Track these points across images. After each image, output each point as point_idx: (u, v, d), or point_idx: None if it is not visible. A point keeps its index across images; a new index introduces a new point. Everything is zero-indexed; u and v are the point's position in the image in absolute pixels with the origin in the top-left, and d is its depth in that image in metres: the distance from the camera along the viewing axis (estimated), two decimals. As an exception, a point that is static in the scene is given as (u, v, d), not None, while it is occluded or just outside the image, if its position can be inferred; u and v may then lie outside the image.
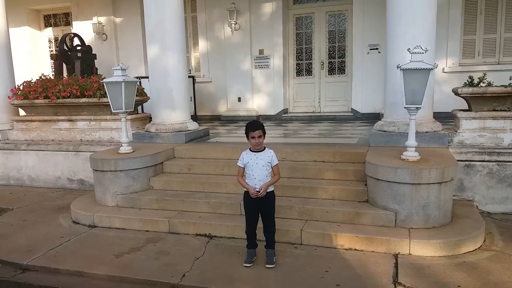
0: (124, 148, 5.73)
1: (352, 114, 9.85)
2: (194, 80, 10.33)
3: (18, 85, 7.66)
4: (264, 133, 3.85)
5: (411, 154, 4.57)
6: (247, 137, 3.83)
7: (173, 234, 4.83)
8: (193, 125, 6.87)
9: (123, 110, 5.55)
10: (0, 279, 4.00)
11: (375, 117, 8.90)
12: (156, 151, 5.82)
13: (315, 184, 5.07)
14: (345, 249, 4.22)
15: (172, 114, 6.61)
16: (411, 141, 4.59)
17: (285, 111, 10.52)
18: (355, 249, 4.20)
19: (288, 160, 5.66)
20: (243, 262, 4.02)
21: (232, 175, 5.50)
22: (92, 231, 5.07)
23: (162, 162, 5.90)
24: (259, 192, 3.78)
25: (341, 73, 10.24)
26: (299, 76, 10.57)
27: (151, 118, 7.25)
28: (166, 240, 4.66)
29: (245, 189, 3.90)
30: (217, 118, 10.59)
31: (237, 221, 4.68)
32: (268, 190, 3.84)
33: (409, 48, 4.38)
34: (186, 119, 6.82)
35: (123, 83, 5.41)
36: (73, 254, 4.41)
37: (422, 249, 4.03)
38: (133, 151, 5.76)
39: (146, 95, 7.20)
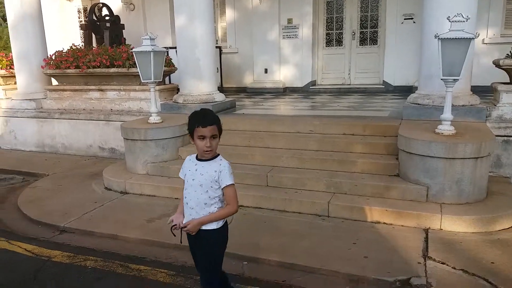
0: (153, 118, 5.80)
1: (383, 86, 9.58)
2: (220, 51, 10.24)
3: (50, 55, 7.80)
4: (221, 131, 2.44)
5: (446, 128, 4.43)
6: (192, 135, 2.41)
7: None
8: (220, 97, 6.85)
9: (152, 80, 5.59)
10: (41, 239, 4.19)
11: (408, 90, 8.63)
12: (184, 122, 5.74)
13: (344, 157, 5.01)
14: (373, 222, 4.20)
15: (199, 85, 6.60)
16: (447, 114, 4.44)
17: (313, 83, 10.32)
18: (384, 223, 4.16)
19: (316, 132, 5.60)
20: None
21: (259, 147, 5.53)
22: (124, 197, 5.22)
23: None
24: (184, 227, 2.45)
25: (373, 44, 9.91)
26: (328, 46, 10.30)
27: (178, 89, 7.28)
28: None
29: None
30: (243, 90, 10.52)
31: (263, 192, 4.75)
32: (203, 228, 2.44)
33: (449, 17, 4.17)
34: (213, 90, 6.80)
35: (152, 53, 5.42)
36: (106, 218, 4.58)
37: (454, 225, 3.95)
38: (162, 121, 5.82)
39: (173, 65, 7.20)
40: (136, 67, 5.68)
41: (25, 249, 3.95)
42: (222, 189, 2.42)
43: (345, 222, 4.24)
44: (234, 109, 7.12)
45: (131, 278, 3.38)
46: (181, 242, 2.50)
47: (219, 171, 2.39)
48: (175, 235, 2.50)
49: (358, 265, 3.43)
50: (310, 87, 10.13)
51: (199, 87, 6.59)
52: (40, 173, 6.48)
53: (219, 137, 2.44)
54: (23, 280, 3.39)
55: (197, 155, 2.49)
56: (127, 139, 5.72)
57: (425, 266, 3.37)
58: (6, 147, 8.19)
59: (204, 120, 2.35)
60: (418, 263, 3.41)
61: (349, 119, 5.81)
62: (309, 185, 4.74)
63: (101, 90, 7.44)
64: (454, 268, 3.33)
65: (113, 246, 3.99)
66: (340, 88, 9.91)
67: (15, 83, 8.38)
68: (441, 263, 3.40)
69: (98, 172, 6.10)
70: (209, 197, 2.40)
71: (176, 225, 2.49)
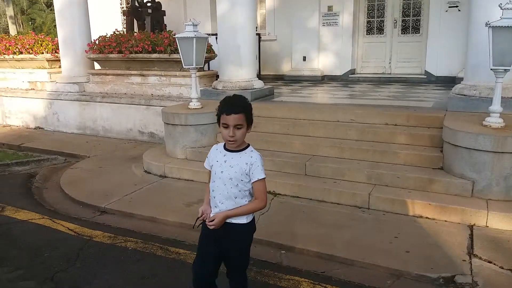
0: (194, 104, 5.83)
1: (425, 76, 9.21)
2: (259, 38, 10.15)
3: (94, 40, 7.97)
4: (250, 121, 2.25)
5: (494, 120, 4.21)
6: (218, 122, 2.26)
7: None
8: (258, 84, 6.80)
9: (193, 66, 5.61)
10: (82, 219, 4.32)
11: (451, 80, 8.27)
12: (223, 108, 5.84)
13: (385, 148, 4.86)
14: (415, 216, 4.07)
15: (239, 71, 6.57)
16: (496, 106, 4.21)
17: (352, 71, 10.07)
18: (426, 217, 4.03)
19: (357, 122, 5.45)
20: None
21: (298, 135, 5.45)
22: (163, 181, 5.29)
23: (227, 119, 5.92)
24: (211, 221, 2.28)
25: (415, 33, 9.52)
26: (369, 34, 9.98)
27: (217, 75, 7.28)
28: (231, 195, 4.74)
29: None
30: (280, 78, 10.41)
31: (302, 181, 4.70)
32: (233, 221, 2.30)
33: (501, 4, 3.95)
34: (252, 77, 6.76)
35: (194, 39, 5.42)
36: (146, 201, 4.66)
37: (501, 222, 3.77)
38: (202, 107, 5.85)
39: (213, 52, 7.20)
40: (178, 53, 5.72)
41: (67, 228, 4.08)
42: (252, 182, 2.26)
43: (386, 215, 4.14)
44: (272, 96, 7.06)
45: (171, 260, 3.42)
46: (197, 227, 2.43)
47: (250, 163, 2.23)
48: (197, 226, 2.40)
49: (400, 260, 3.33)
50: (349, 76, 9.90)
51: (239, 73, 6.56)
52: (81, 154, 6.67)
53: (249, 127, 2.24)
54: (66, 257, 3.50)
55: (224, 144, 2.32)
56: (167, 123, 5.79)
57: (471, 264, 3.23)
58: (49, 129, 8.50)
59: (230, 107, 2.16)
60: (463, 260, 3.28)
61: (392, 109, 5.62)
62: (348, 176, 4.65)
63: (143, 75, 7.56)
64: (502, 268, 3.18)
65: (152, 229, 4.06)
66: (380, 77, 9.62)
67: (60, 66, 8.64)
68: (488, 262, 3.26)
69: (138, 156, 6.21)
70: (239, 190, 2.25)
71: (203, 215, 2.35)
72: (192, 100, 5.87)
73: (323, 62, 10.15)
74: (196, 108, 5.80)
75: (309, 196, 4.56)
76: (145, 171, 5.68)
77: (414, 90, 7.78)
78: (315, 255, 3.51)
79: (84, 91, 8.18)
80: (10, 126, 8.93)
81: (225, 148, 2.31)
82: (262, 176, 2.25)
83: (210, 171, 2.39)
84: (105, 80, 8.03)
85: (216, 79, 7.06)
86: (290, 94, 7.54)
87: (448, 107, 5.23)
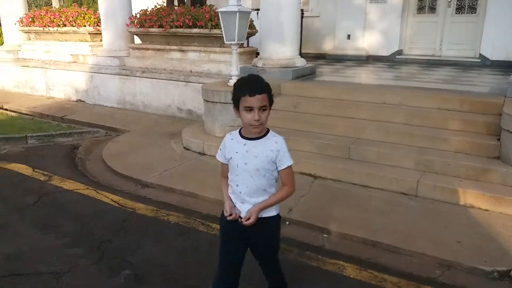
0: (234, 81, 5.72)
1: (479, 60, 8.66)
2: (302, 14, 9.85)
3: (135, 14, 7.95)
4: (271, 102, 2.04)
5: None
6: (237, 106, 2.01)
7: None
8: (300, 62, 6.61)
9: (235, 42, 5.47)
10: (125, 192, 4.37)
11: (508, 65, 7.75)
12: (263, 86, 5.71)
13: (436, 133, 4.61)
14: (466, 206, 3.86)
15: (280, 48, 6.39)
16: None
17: (399, 52, 9.62)
18: (479, 208, 3.81)
19: (405, 104, 5.20)
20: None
21: (341, 117, 5.27)
22: (202, 158, 5.27)
23: (268, 98, 5.80)
24: (241, 219, 2.10)
25: (471, 12, 8.93)
26: (420, 13, 9.45)
27: (257, 53, 7.12)
28: (271, 175, 4.67)
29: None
30: (322, 57, 10.11)
31: (344, 164, 4.56)
32: (263, 215, 2.13)
33: None
34: (294, 55, 6.57)
35: (238, 13, 5.27)
36: (185, 177, 4.66)
37: None
38: (242, 85, 5.72)
39: (255, 28, 7.02)
40: (218, 28, 5.59)
41: (111, 199, 4.13)
42: (278, 170, 2.08)
43: (435, 204, 3.95)
44: (314, 75, 6.86)
45: (212, 236, 3.39)
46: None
47: (276, 150, 2.03)
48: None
49: (450, 250, 3.18)
50: (396, 57, 9.47)
51: (280, 51, 6.38)
52: (121, 128, 6.74)
53: (270, 109, 2.03)
54: (111, 228, 3.55)
55: (240, 131, 2.10)
56: (207, 101, 5.72)
57: (529, 259, 3.03)
58: (90, 102, 8.63)
59: (252, 87, 1.94)
60: (521, 255, 3.08)
61: (444, 93, 5.32)
62: (395, 161, 4.45)
63: (182, 50, 7.50)
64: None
65: (193, 204, 4.05)
66: (429, 59, 9.13)
67: (101, 40, 8.70)
68: (548, 258, 3.05)
69: (176, 132, 6.21)
70: (267, 180, 2.07)
71: (231, 215, 2.10)
72: (232, 77, 5.76)
73: (368, 41, 9.76)
74: (236, 86, 5.69)
75: (352, 181, 4.42)
76: (184, 148, 5.67)
77: (467, 74, 7.34)
78: (359, 241, 3.41)
79: (124, 65, 8.23)
80: (54, 98, 9.14)
81: (242, 136, 2.08)
82: (291, 162, 2.09)
83: (225, 164, 2.16)
84: (145, 55, 8.04)
85: (256, 57, 6.91)
86: (332, 74, 7.30)
87: (507, 93, 4.89)
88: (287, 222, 3.70)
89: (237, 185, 2.10)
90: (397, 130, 4.76)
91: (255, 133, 2.03)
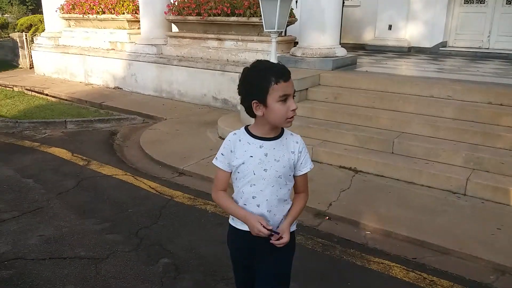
0: (273, 70, 5.57)
1: (531, 54, 8.17)
2: (342, 3, 9.55)
3: (173, 1, 7.92)
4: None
5: None
6: (262, 100, 1.59)
7: (314, 162, 4.46)
8: (341, 51, 6.38)
9: (275, 30, 5.30)
10: (162, 179, 4.34)
11: None
12: (301, 76, 5.56)
13: (488, 129, 4.34)
14: (523, 208, 3.60)
15: (320, 37, 6.18)
16: None
17: (444, 44, 9.19)
18: (537, 211, 3.55)
19: (455, 98, 4.93)
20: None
21: (385, 109, 5.05)
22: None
23: (306, 89, 5.63)
24: (274, 234, 1.65)
25: (524, 3, 8.41)
26: (467, 3, 8.96)
27: (296, 42, 6.93)
28: (309, 167, 4.53)
29: (231, 221, 1.81)
30: (361, 47, 9.79)
31: (388, 159, 4.37)
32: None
33: None
34: (335, 44, 6.36)
35: (279, 0, 5.09)
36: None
37: None
38: (281, 74, 5.57)
39: (294, 16, 6.84)
40: (257, 16, 5.44)
41: (149, 186, 4.10)
42: (296, 176, 1.74)
43: (486, 204, 3.71)
44: (354, 66, 6.63)
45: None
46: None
47: (298, 151, 1.70)
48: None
49: (505, 254, 2.97)
50: (440, 49, 9.04)
51: (320, 39, 6.18)
52: (158, 116, 6.74)
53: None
54: (150, 214, 3.51)
55: (247, 130, 1.70)
56: (244, 90, 5.60)
57: None
58: (127, 89, 8.70)
59: (283, 71, 1.59)
60: None
61: (497, 87, 5.00)
62: (443, 157, 4.22)
63: (219, 39, 7.41)
64: None
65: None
66: (476, 52, 8.66)
67: (139, 27, 8.74)
68: None
69: (212, 121, 6.15)
70: (288, 190, 1.73)
71: (275, 233, 1.65)
72: (272, 66, 5.60)
73: (410, 32, 9.36)
74: (275, 75, 5.54)
75: (396, 176, 4.22)
76: (220, 137, 5.59)
77: (519, 68, 6.92)
78: (405, 240, 3.24)
79: (161, 53, 8.23)
80: (92, 84, 9.28)
81: (254, 136, 1.68)
82: (312, 165, 1.77)
83: (225, 174, 1.72)
84: (182, 43, 8.00)
85: (294, 46, 6.73)
86: (374, 65, 7.03)
87: None
88: (327, 217, 3.58)
89: (254, 197, 1.68)
90: (446, 125, 4.53)
91: (288, 126, 1.66)
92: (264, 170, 1.66)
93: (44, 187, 4.00)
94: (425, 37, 9.18)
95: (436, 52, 8.98)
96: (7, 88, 8.78)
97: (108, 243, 3.06)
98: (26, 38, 11.52)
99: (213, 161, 1.75)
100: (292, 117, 1.61)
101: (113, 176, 4.32)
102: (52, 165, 4.59)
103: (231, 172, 1.72)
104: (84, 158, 4.83)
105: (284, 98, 1.57)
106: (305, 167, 1.74)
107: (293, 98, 1.61)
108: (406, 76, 5.98)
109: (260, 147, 1.67)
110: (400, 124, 4.73)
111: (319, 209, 3.65)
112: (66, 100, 7.94)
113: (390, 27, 9.40)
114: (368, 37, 10.00)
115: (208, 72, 7.32)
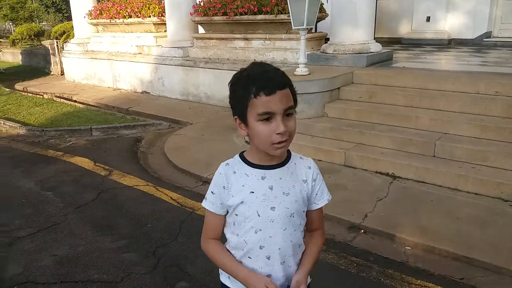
0: (301, 70, 5.27)
1: None
2: (375, -4, 9.12)
3: (199, 2, 7.74)
4: (296, 101, 1.27)
5: None
6: (242, 116, 1.26)
7: (348, 167, 4.37)
8: (376, 47, 5.99)
9: (304, 27, 5.01)
10: (185, 189, 4.13)
11: None
12: (333, 75, 5.22)
13: (544, 129, 3.86)
14: None
15: (353, 32, 5.82)
16: None
17: (488, 35, 8.57)
18: None
19: (504, 95, 4.47)
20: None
21: (425, 109, 4.64)
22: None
23: (339, 88, 5.28)
24: None
25: None
26: (513, -9, 8.33)
27: (327, 38, 6.59)
28: (342, 173, 4.23)
29: (225, 280, 1.41)
30: (397, 41, 9.29)
31: (429, 164, 3.99)
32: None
33: None
34: (369, 39, 5.98)
35: (307, -5, 4.79)
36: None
37: None
38: (309, 73, 5.27)
39: (325, 11, 6.49)
40: (285, 13, 5.16)
41: (170, 197, 3.91)
42: (312, 209, 1.38)
43: (545, 214, 3.27)
44: (391, 62, 6.22)
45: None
46: None
47: (311, 179, 1.34)
48: None
49: None
50: (484, 40, 8.45)
51: (353, 35, 5.82)
52: (184, 121, 6.58)
53: (295, 111, 1.26)
54: (169, 230, 3.30)
55: (243, 158, 1.34)
56: (271, 91, 5.33)
57: None
58: (155, 94, 8.62)
59: (267, 81, 1.19)
60: None
61: (553, 80, 4.48)
62: (492, 161, 3.82)
63: (246, 39, 7.16)
64: None
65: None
66: (524, 42, 8.03)
67: (165, 30, 8.64)
68: None
69: (238, 125, 5.91)
70: (302, 231, 1.37)
71: None
72: (299, 65, 5.30)
73: (450, 23, 8.79)
74: (303, 75, 5.23)
75: (439, 183, 3.85)
76: (246, 142, 5.34)
77: None
78: (450, 256, 2.90)
79: (188, 56, 8.07)
80: (120, 89, 9.28)
81: (252, 164, 1.31)
82: (330, 196, 1.41)
83: (218, 217, 1.36)
84: (208, 45, 7.81)
85: (325, 42, 6.38)
86: (411, 60, 6.57)
87: None
88: (362, 230, 3.27)
89: (261, 247, 1.30)
90: (495, 125, 4.10)
91: (280, 153, 1.26)
92: (272, 208, 1.29)
93: (63, 200, 3.88)
94: (467, 28, 8.59)
95: (480, 44, 8.39)
96: (38, 96, 8.89)
97: (123, 263, 2.86)
98: (57, 45, 11.73)
99: (202, 203, 1.38)
100: (280, 142, 1.20)
101: (134, 187, 4.15)
102: (73, 176, 4.48)
103: (225, 215, 1.35)
104: (106, 167, 4.69)
105: (267, 117, 1.19)
106: (322, 199, 1.38)
107: (288, 117, 1.21)
108: (447, 71, 5.51)
109: (262, 178, 1.29)
110: (443, 125, 4.33)
111: (353, 222, 3.34)
112: (94, 106, 7.93)
113: (428, 18, 8.86)
114: (405, 30, 9.48)
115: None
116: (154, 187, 4.14)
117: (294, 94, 1.26)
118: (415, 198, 3.66)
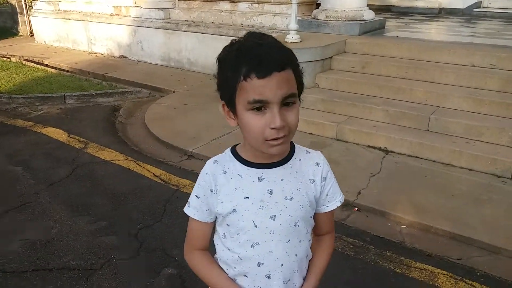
0: (292, 37, 4.98)
1: None
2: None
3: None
4: (301, 85, 1.02)
5: None
6: (230, 101, 0.98)
7: (340, 141, 4.23)
8: (369, 14, 5.73)
9: (295, -11, 4.68)
10: (169, 163, 3.88)
11: None
12: (325, 43, 4.96)
13: (542, 104, 3.76)
14: None
15: (345, -2, 5.52)
16: None
17: (478, 5, 8.42)
18: None
19: (500, 68, 4.36)
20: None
21: (420, 81, 4.47)
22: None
23: (331, 57, 5.03)
24: None
25: None
26: (505, -43, 8.11)
27: (318, 3, 6.25)
28: (333, 148, 4.10)
29: None
30: (386, 9, 9.00)
31: (423, 138, 3.89)
32: None
33: None
34: (362, 5, 5.71)
35: (298, -46, 4.44)
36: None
37: None
38: (301, 41, 4.98)
39: (316, -26, 6.13)
40: (275, -27, 4.79)
41: (153, 173, 3.66)
42: (322, 212, 1.15)
43: (541, 192, 3.23)
44: (383, 30, 5.97)
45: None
46: None
47: (321, 178, 1.10)
48: None
49: None
50: (474, 10, 8.29)
51: (346, 1, 5.55)
52: (165, 88, 6.24)
53: (300, 99, 1.01)
54: (152, 210, 3.08)
55: (235, 154, 1.09)
56: (259, 58, 5.03)
57: None
58: (133, 58, 8.16)
59: (262, 60, 0.91)
60: None
61: (551, 53, 4.35)
62: (487, 136, 3.75)
63: (233, 1, 6.75)
64: None
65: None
66: (515, 12, 7.88)
67: (144, -10, 8.08)
68: None
69: (224, 94, 5.62)
70: (309, 240, 1.14)
71: None
72: (290, 31, 5.00)
73: (441, -8, 8.57)
74: (294, 42, 4.94)
75: (433, 158, 3.77)
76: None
77: None
78: (447, 235, 2.84)
79: (169, 18, 7.60)
80: (95, 53, 8.74)
81: (247, 163, 1.06)
82: (342, 197, 1.17)
83: (203, 226, 1.13)
84: (191, 6, 7.35)
85: (317, 8, 6.07)
86: (403, 29, 6.34)
87: None
88: (355, 208, 3.15)
89: (259, 265, 1.07)
90: (490, 99, 4.01)
91: (278, 151, 0.99)
92: (271, 217, 1.04)
93: (33, 176, 3.56)
94: (458, -3, 8.39)
95: (469, 14, 8.26)
96: (4, 59, 8.27)
97: (103, 248, 2.63)
98: (25, 3, 10.90)
99: (184, 209, 1.13)
100: (276, 139, 0.94)
101: (113, 161, 3.87)
102: (45, 149, 4.14)
103: (213, 223, 1.12)
104: (82, 139, 4.37)
105: (259, 106, 0.92)
106: (333, 200, 1.13)
107: (288, 107, 0.94)
108: (442, 42, 5.31)
109: (259, 179, 1.04)
110: (437, 98, 4.20)
111: (347, 199, 3.20)
112: (67, 71, 7.43)
113: (419, -14, 8.60)
114: (395, -3, 9.19)
115: (220, 38, 6.69)
116: (135, 161, 3.87)
117: (299, 77, 0.98)
118: (409, 174, 3.57)
